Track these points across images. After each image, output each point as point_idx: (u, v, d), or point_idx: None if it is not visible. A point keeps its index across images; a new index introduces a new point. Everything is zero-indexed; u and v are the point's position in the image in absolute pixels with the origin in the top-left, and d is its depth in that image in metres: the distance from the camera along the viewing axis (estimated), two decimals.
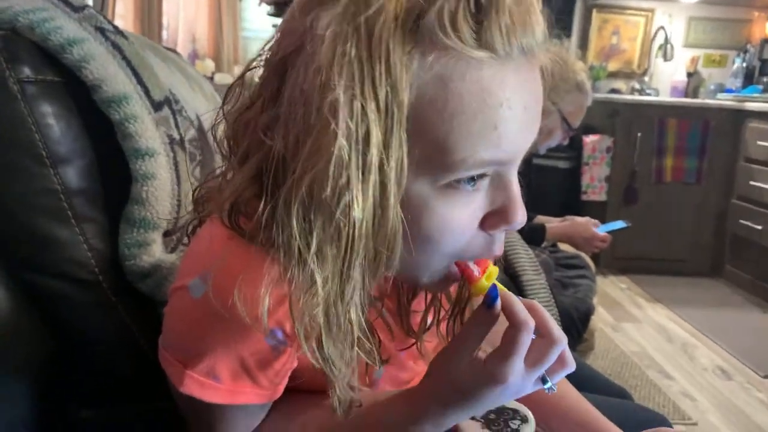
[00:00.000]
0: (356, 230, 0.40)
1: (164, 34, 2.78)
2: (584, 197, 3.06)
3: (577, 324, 1.56)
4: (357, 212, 0.39)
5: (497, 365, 0.43)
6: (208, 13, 3.14)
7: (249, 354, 0.46)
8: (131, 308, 0.61)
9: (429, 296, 0.56)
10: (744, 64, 3.42)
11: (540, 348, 0.44)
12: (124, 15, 1.94)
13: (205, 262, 0.45)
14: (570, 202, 3.02)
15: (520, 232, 1.48)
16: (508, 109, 0.40)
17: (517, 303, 0.44)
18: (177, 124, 0.68)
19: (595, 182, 3.04)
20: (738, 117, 2.92)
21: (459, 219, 0.43)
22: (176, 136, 0.66)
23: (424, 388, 0.49)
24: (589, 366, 1.08)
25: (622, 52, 3.56)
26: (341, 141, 0.38)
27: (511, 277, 1.36)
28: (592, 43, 3.53)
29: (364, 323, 0.45)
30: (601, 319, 2.42)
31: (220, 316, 0.43)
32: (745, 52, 3.44)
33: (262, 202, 0.42)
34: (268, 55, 0.45)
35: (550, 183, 2.97)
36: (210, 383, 0.46)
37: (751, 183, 2.80)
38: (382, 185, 0.40)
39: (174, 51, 1.16)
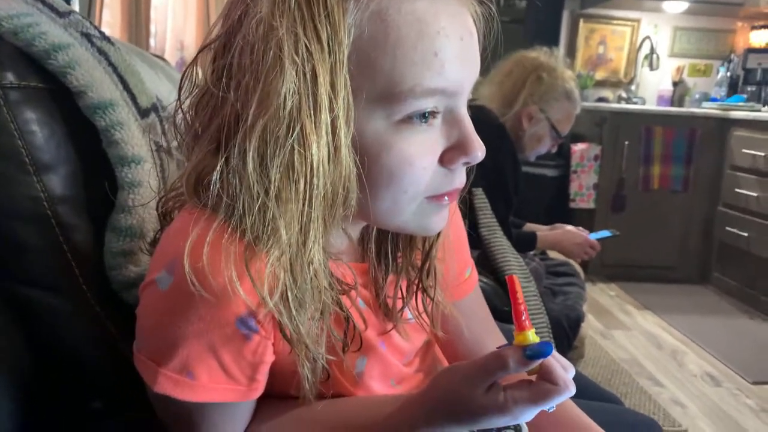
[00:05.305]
0: (313, 170, 0.41)
1: (152, 41, 2.77)
2: (572, 205, 3.07)
3: (567, 332, 1.56)
4: (312, 151, 0.41)
5: (519, 404, 0.44)
6: (196, 21, 3.13)
7: (220, 342, 0.45)
8: (116, 319, 0.60)
9: (401, 281, 0.57)
10: (728, 74, 3.47)
11: (551, 393, 0.45)
12: (111, 22, 1.93)
13: (169, 253, 0.44)
14: (558, 209, 3.03)
15: (510, 239, 1.49)
16: (444, 37, 0.43)
17: (560, 366, 0.45)
18: (164, 131, 0.68)
19: (583, 190, 3.06)
20: (723, 125, 2.95)
21: (417, 153, 0.45)
22: (163, 143, 0.65)
23: (427, 399, 0.49)
24: (579, 372, 1.08)
25: (608, 61, 3.60)
26: (289, 81, 0.40)
27: (502, 285, 1.35)
28: (580, 52, 3.55)
29: (328, 277, 0.46)
30: (590, 327, 2.42)
31: (188, 302, 0.42)
32: (729, 61, 3.48)
33: (220, 161, 0.43)
34: (218, 36, 0.46)
35: (538, 191, 2.98)
36: (184, 380, 0.45)
37: (737, 190, 2.83)
38: (333, 124, 0.42)
39: (162, 58, 1.15)
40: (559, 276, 1.74)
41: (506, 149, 1.50)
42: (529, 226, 1.79)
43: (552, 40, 3.45)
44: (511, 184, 1.51)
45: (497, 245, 1.41)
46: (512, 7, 4.83)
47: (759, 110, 3.01)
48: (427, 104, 0.44)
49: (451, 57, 0.44)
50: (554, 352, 0.45)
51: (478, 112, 1.65)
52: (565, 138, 1.65)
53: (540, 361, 0.44)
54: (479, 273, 1.45)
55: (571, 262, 1.79)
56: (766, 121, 2.70)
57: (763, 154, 2.66)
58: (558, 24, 3.55)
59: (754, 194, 2.71)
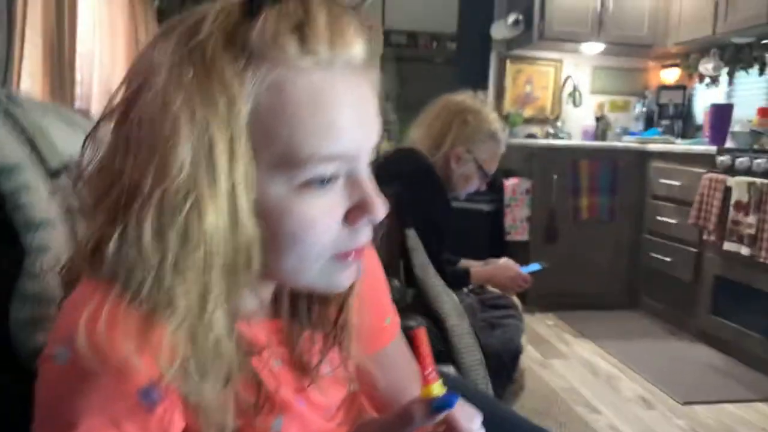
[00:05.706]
0: (211, 238, 0.42)
1: (78, 90, 2.70)
2: (508, 238, 3.16)
3: (507, 365, 1.58)
4: (210, 219, 0.41)
5: None
6: (125, 67, 3.07)
7: (123, 415, 0.42)
8: (25, 389, 0.57)
9: (316, 336, 0.57)
10: (644, 109, 3.71)
11: None
12: (32, 72, 1.87)
13: (66, 326, 0.43)
14: (494, 243, 3.11)
15: (444, 277, 1.51)
16: (340, 106, 0.45)
17: (464, 416, 0.46)
18: (77, 191, 0.66)
19: (517, 223, 3.16)
20: (642, 157, 3.14)
21: (319, 216, 0.46)
22: (75, 204, 0.64)
23: None
24: (511, 410, 1.10)
25: (535, 99, 3.78)
26: (185, 152, 0.41)
27: (435, 322, 1.37)
28: (508, 91, 3.72)
29: (233, 342, 0.45)
30: (529, 357, 2.47)
31: (87, 377, 0.41)
32: (645, 98, 3.73)
33: (117, 230, 0.42)
34: (120, 103, 0.46)
35: (474, 226, 3.06)
36: None
37: (658, 218, 2.99)
38: (233, 193, 0.42)
39: (86, 112, 1.13)
40: (498, 309, 1.77)
41: (435, 189, 1.54)
42: (464, 263, 1.83)
43: (481, 80, 3.61)
44: (442, 223, 1.54)
45: (430, 285, 1.43)
46: (443, 50, 5.03)
47: (672, 143, 3.23)
48: (326, 170, 0.45)
49: (347, 125, 0.45)
50: (459, 402, 0.46)
51: (407, 154, 1.70)
52: (492, 176, 1.72)
53: (446, 412, 0.45)
54: (414, 313, 1.44)
55: (509, 294, 1.83)
56: (678, 153, 2.90)
57: (678, 183, 2.84)
58: (486, 65, 3.71)
59: (673, 221, 2.88)
